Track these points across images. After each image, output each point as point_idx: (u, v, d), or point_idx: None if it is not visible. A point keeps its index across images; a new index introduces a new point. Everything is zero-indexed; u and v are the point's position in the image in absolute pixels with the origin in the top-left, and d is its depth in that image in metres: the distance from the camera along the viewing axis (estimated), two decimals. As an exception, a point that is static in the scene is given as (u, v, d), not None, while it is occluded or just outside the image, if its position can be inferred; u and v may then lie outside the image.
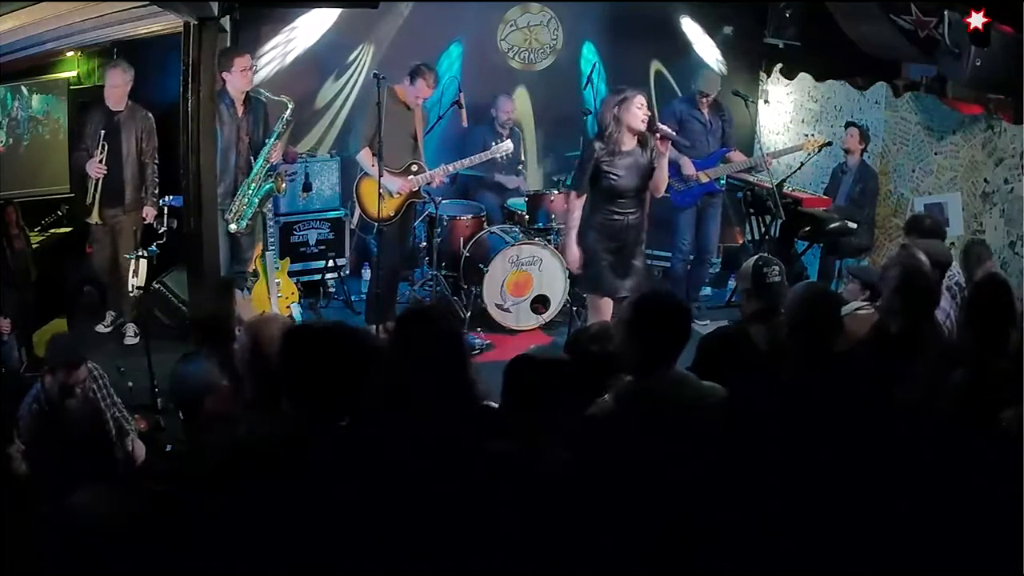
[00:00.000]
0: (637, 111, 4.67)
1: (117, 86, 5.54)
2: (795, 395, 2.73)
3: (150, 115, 5.72)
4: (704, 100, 6.27)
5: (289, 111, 5.42)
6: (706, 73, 6.57)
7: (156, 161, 5.73)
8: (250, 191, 5.40)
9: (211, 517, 2.04)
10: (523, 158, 7.15)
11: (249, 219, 5.46)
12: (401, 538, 2.02)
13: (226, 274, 5.36)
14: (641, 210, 4.95)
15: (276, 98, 5.53)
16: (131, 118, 5.63)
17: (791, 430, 2.57)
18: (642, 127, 4.70)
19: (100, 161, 5.55)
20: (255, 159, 5.46)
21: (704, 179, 6.22)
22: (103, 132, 5.54)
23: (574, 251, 4.90)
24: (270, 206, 5.81)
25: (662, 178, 4.86)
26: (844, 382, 2.80)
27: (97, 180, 5.58)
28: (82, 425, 3.32)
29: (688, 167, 6.14)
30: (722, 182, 6.46)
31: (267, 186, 5.47)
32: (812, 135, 6.86)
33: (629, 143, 4.74)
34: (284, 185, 5.61)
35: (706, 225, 6.49)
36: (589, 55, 7.17)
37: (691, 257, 6.55)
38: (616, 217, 4.83)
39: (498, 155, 5.89)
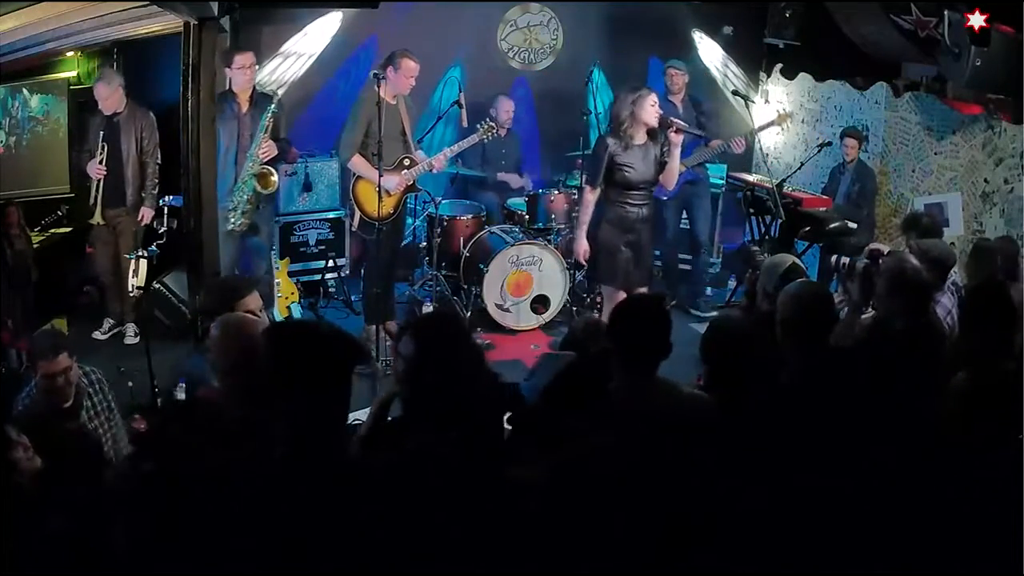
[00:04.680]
0: (651, 108, 4.90)
1: (107, 97, 5.49)
2: (796, 394, 2.73)
3: (150, 113, 5.68)
4: (676, 84, 6.28)
5: (275, 104, 5.36)
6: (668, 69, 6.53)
7: (158, 161, 5.68)
8: (244, 186, 5.37)
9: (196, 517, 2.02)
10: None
11: (243, 216, 5.38)
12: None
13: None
14: (651, 203, 5.15)
15: (264, 91, 5.51)
16: (130, 118, 5.59)
17: (792, 429, 2.57)
18: (655, 123, 4.93)
19: (100, 162, 5.51)
20: None
21: (681, 169, 6.19)
22: (102, 133, 5.51)
23: (583, 244, 5.09)
24: (272, 205, 5.76)
25: (674, 170, 5.08)
26: (844, 381, 2.80)
27: (98, 181, 5.55)
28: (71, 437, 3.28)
29: None
30: (721, 176, 6.45)
31: (249, 182, 5.33)
32: (819, 136, 6.87)
33: (641, 137, 4.95)
34: (275, 179, 5.42)
35: (695, 216, 6.57)
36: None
37: (679, 256, 6.60)
38: (631, 209, 5.03)
39: (484, 138, 5.83)
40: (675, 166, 5.05)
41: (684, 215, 6.68)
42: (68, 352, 3.43)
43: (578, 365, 2.55)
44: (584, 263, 5.19)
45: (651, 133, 4.95)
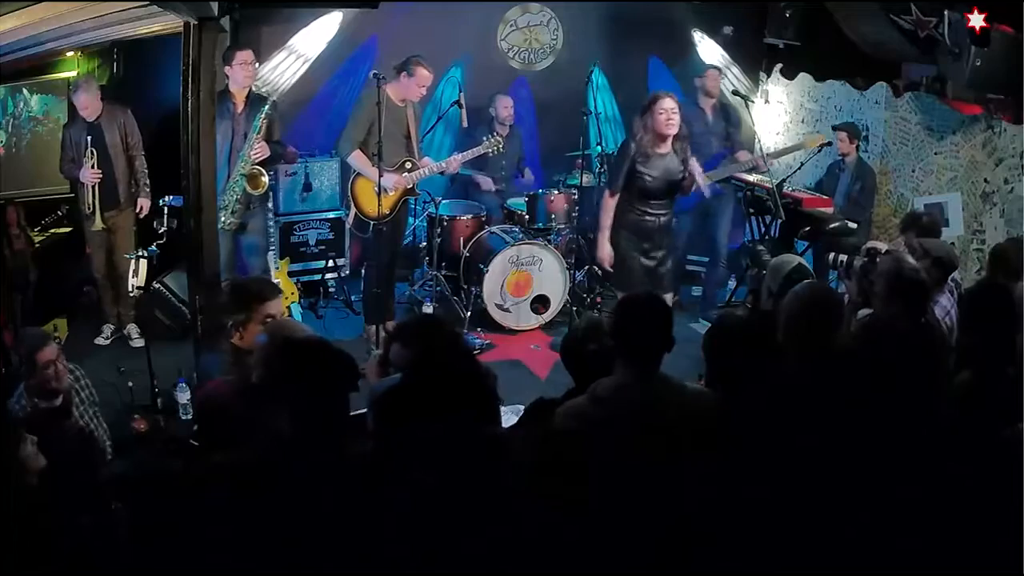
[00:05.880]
0: (659, 116, 4.82)
1: (87, 104, 5.50)
2: (798, 394, 2.73)
3: (128, 110, 5.69)
4: (716, 88, 6.21)
5: (268, 105, 5.35)
6: (709, 70, 6.51)
7: (143, 152, 5.69)
8: (235, 185, 5.35)
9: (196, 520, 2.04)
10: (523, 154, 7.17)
11: (233, 216, 5.37)
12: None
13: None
14: (671, 212, 5.14)
15: (259, 93, 5.52)
16: (111, 118, 5.60)
17: (793, 428, 2.57)
18: (668, 131, 4.85)
19: (92, 166, 5.49)
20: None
21: (707, 182, 6.10)
22: (89, 138, 5.49)
23: (606, 249, 5.04)
24: (270, 205, 5.77)
25: (689, 180, 5.03)
26: (843, 383, 2.79)
27: (93, 186, 5.52)
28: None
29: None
30: (720, 184, 6.39)
31: (239, 182, 5.33)
32: (815, 132, 6.84)
33: (663, 146, 4.90)
34: (265, 180, 5.41)
35: (715, 226, 6.45)
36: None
37: (703, 260, 6.53)
38: (648, 218, 5.03)
39: (489, 150, 5.87)
40: (696, 178, 5.04)
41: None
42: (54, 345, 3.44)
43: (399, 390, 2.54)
44: (610, 268, 5.13)
45: (675, 142, 4.92)
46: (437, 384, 2.40)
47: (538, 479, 2.10)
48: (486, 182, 6.91)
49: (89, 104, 5.51)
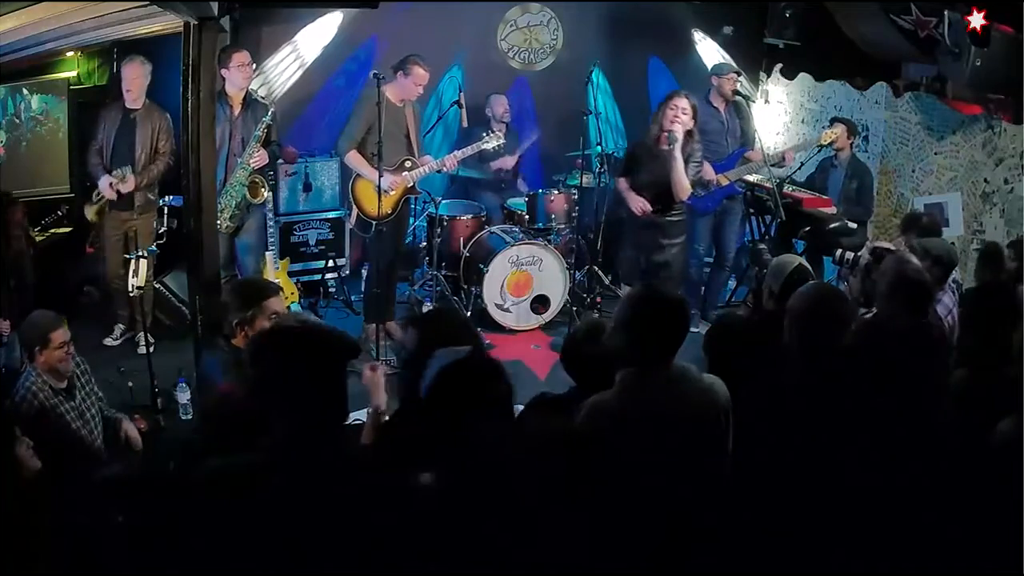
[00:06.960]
0: (669, 112, 4.95)
1: (135, 79, 5.35)
2: (801, 393, 2.73)
3: (167, 115, 5.51)
4: (721, 96, 6.15)
5: (270, 114, 5.35)
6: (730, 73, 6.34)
7: (170, 160, 5.52)
8: (234, 191, 5.35)
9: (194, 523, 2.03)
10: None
11: (229, 220, 5.35)
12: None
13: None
14: (663, 213, 5.17)
15: (258, 99, 5.51)
16: (147, 117, 5.45)
17: (796, 428, 2.57)
18: (672, 126, 4.94)
19: (110, 185, 5.38)
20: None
21: (724, 182, 6.00)
22: (127, 143, 5.37)
23: (636, 200, 5.23)
24: (270, 205, 5.77)
25: (674, 179, 5.05)
26: (846, 381, 2.80)
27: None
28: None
29: (708, 172, 5.85)
30: (741, 185, 6.34)
31: (239, 190, 5.34)
32: (825, 129, 6.81)
33: (663, 143, 5.01)
34: (264, 191, 5.43)
35: (725, 229, 6.35)
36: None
37: (707, 260, 6.48)
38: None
39: (490, 146, 5.88)
40: (674, 176, 5.03)
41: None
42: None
43: (465, 363, 2.37)
44: (649, 208, 5.22)
45: (686, 138, 4.98)
46: (459, 372, 2.34)
47: (566, 476, 2.07)
48: (506, 161, 6.85)
49: (136, 78, 5.34)
